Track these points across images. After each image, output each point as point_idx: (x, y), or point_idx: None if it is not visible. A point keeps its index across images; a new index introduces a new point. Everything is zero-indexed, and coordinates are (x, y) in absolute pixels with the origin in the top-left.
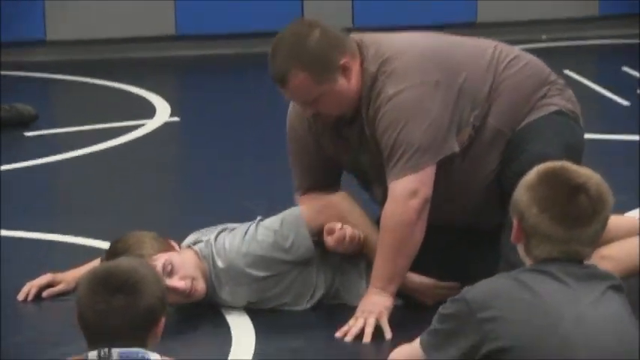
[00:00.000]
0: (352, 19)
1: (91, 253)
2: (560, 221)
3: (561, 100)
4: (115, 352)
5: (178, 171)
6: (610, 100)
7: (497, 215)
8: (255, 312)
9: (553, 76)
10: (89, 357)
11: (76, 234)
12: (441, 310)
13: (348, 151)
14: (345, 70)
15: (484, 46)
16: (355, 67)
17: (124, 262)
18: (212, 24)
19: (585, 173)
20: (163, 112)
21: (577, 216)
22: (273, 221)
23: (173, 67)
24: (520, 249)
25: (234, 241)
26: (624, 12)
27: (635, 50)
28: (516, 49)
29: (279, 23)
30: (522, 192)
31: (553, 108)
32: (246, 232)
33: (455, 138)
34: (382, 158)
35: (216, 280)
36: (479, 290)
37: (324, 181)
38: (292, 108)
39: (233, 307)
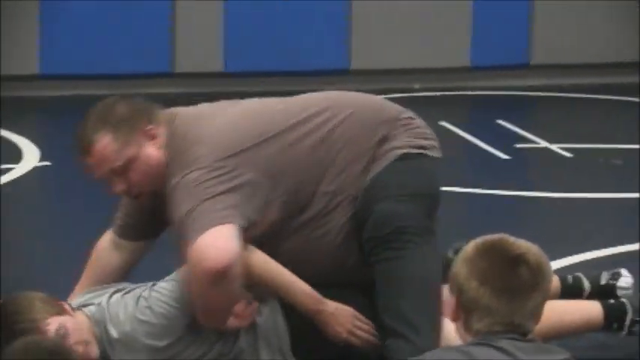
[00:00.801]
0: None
1: None
2: (502, 294)
3: (406, 138)
4: None
5: (52, 217)
6: (489, 153)
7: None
8: None
9: (394, 112)
10: None
11: None
12: None
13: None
14: (152, 138)
15: (297, 114)
16: (163, 138)
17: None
18: (78, 64)
19: (524, 244)
20: (31, 155)
21: (518, 288)
22: (167, 285)
23: (36, 108)
24: (458, 325)
25: (128, 309)
26: (496, 63)
27: (508, 102)
28: (340, 102)
29: (146, 66)
30: (460, 266)
31: (395, 154)
32: (139, 298)
33: (252, 211)
34: None
35: (109, 348)
36: None
37: (144, 232)
38: None
39: None
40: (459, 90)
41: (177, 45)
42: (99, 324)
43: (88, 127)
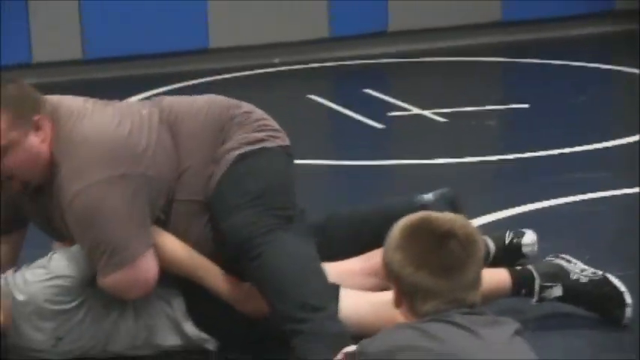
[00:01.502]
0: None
1: None
2: (439, 273)
3: (242, 135)
4: None
5: None
6: (363, 123)
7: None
8: None
9: (232, 110)
10: None
11: None
12: None
13: (36, 212)
14: (37, 129)
15: (158, 113)
16: (48, 132)
17: None
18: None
19: (447, 219)
20: None
21: (453, 264)
22: (63, 254)
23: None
24: (402, 311)
25: (31, 277)
26: (356, 32)
27: (371, 71)
28: (184, 102)
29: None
30: (391, 254)
31: (231, 156)
32: (38, 267)
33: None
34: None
35: (16, 315)
36: (380, 342)
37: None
38: None
39: None
40: (321, 62)
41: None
42: (7, 295)
43: None
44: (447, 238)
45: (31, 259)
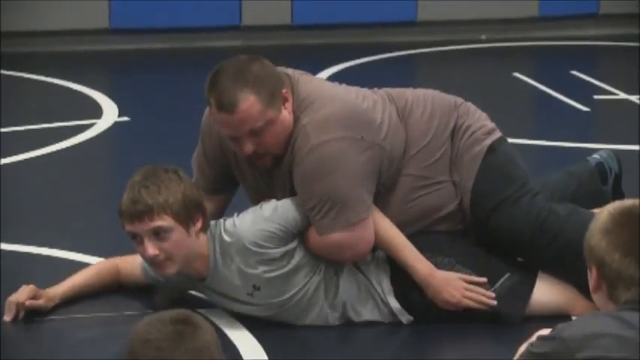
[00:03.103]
0: (291, 16)
1: (55, 263)
2: None
3: (477, 124)
4: None
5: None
6: (568, 105)
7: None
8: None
9: (455, 99)
10: None
11: (41, 244)
12: (531, 349)
13: (256, 180)
14: (285, 102)
15: (387, 98)
16: (291, 105)
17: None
18: (146, 18)
19: None
20: (110, 110)
21: None
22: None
23: (108, 63)
24: (600, 296)
25: (244, 219)
26: (566, 13)
27: (581, 52)
28: (408, 91)
29: (214, 19)
30: (599, 238)
31: (480, 147)
32: (252, 213)
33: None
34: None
35: (221, 257)
36: (577, 328)
37: (218, 190)
38: (206, 118)
39: (236, 328)
40: (528, 41)
41: None
42: (213, 236)
43: (227, 86)
44: None
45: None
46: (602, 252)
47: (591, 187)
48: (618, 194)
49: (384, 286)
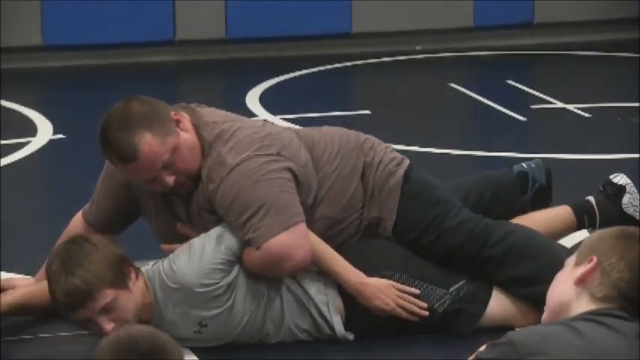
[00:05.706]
0: (225, 30)
1: None
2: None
3: (386, 156)
4: None
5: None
6: (505, 115)
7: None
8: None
9: (360, 135)
10: None
11: None
12: (480, 355)
13: (164, 212)
14: (178, 123)
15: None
16: (186, 120)
17: (142, 329)
18: (80, 35)
19: None
20: (44, 128)
21: None
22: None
23: (42, 80)
24: (579, 291)
25: (181, 260)
26: (501, 23)
27: (517, 62)
28: (315, 130)
29: (148, 35)
30: (611, 239)
31: (395, 179)
32: (185, 253)
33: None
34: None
35: (163, 301)
36: (528, 334)
37: (111, 227)
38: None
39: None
40: (462, 51)
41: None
42: (151, 280)
43: (119, 137)
44: None
45: None
46: (612, 250)
47: (509, 196)
48: (539, 206)
49: (327, 297)
